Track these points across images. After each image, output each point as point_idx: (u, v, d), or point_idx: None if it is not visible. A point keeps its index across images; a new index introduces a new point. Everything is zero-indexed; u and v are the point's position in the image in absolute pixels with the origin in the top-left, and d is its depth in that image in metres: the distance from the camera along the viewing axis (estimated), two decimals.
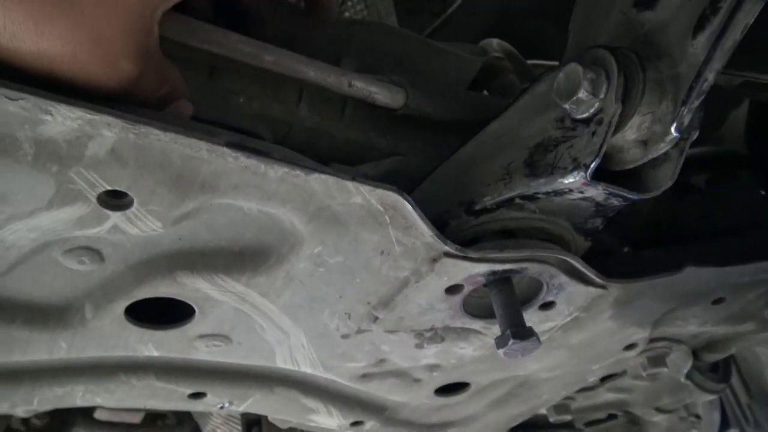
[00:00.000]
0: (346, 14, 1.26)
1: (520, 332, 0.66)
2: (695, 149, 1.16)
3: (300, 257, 0.62)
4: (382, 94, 0.67)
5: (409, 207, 0.58)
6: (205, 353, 0.74)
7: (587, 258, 0.75)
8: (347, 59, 0.76)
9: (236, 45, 0.59)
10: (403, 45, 0.80)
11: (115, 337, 0.69)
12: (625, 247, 1.05)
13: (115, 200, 0.52)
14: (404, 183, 0.76)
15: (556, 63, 1.31)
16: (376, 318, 0.72)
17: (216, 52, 0.58)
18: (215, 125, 0.66)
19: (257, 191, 0.54)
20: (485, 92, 0.98)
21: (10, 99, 0.42)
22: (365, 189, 0.55)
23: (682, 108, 0.56)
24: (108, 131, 0.46)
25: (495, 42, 1.04)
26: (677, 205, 1.04)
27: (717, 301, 0.87)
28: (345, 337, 0.75)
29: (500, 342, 0.67)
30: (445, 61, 0.83)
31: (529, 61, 1.26)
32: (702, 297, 0.85)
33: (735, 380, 1.62)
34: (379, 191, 0.56)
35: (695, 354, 1.10)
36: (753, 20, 0.53)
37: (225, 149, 0.49)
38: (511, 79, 0.93)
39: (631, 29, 0.63)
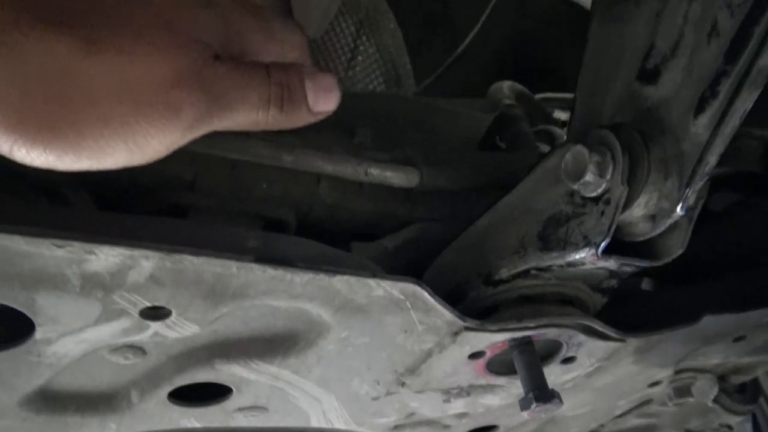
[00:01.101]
0: (359, 58, 1.29)
1: (542, 395, 0.69)
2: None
3: (328, 341, 0.66)
4: (398, 178, 0.71)
5: (428, 295, 0.61)
6: (244, 422, 0.79)
7: None
8: (362, 130, 0.79)
9: (256, 150, 0.62)
10: (415, 112, 0.83)
11: (159, 415, 0.73)
12: (643, 278, 1.06)
13: (156, 312, 0.56)
14: (424, 249, 0.80)
15: (567, 96, 1.32)
16: (404, 383, 0.75)
17: (236, 158, 0.62)
18: (240, 213, 0.71)
19: (285, 294, 0.57)
20: (498, 138, 1.00)
21: (58, 246, 0.47)
22: (386, 284, 0.58)
23: (687, 189, 0.58)
24: (146, 261, 0.50)
25: (505, 86, 1.05)
26: (695, 234, 1.04)
27: (739, 339, 0.88)
28: (375, 399, 0.79)
29: (524, 404, 0.70)
30: (457, 123, 0.85)
31: (542, 95, 1.27)
32: (723, 337, 0.86)
33: (765, 384, 1.61)
34: (400, 284, 0.59)
35: (721, 377, 1.11)
36: (751, 106, 0.54)
37: (253, 265, 0.53)
38: (523, 128, 0.95)
39: (635, 103, 0.65)
